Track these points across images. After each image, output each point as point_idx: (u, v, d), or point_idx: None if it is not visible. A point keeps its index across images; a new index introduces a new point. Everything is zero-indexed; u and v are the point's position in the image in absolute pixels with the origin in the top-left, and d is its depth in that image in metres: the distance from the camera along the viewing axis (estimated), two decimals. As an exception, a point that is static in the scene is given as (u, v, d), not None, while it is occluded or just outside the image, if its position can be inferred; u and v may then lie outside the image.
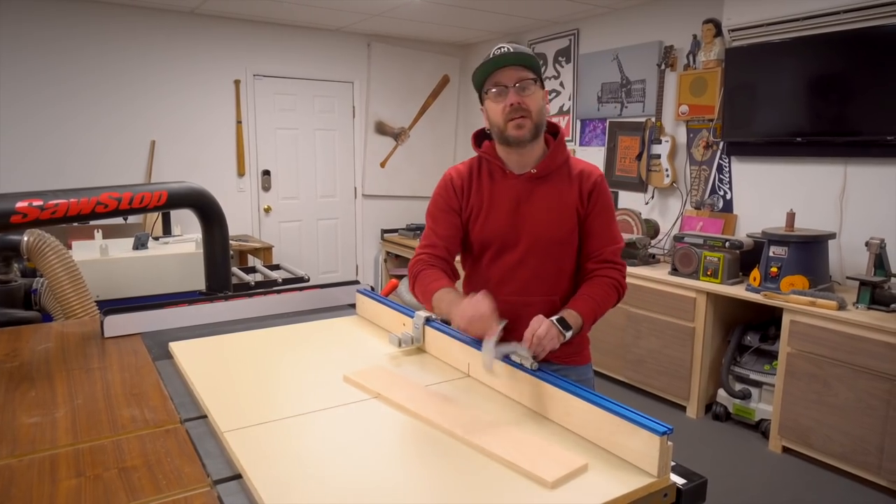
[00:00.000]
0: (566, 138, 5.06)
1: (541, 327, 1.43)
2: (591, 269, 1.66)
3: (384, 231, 5.84)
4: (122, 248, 2.95)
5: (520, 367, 1.38)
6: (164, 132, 4.84)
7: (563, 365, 1.69)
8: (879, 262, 2.99)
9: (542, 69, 5.37)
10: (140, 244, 2.97)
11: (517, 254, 1.65)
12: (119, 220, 4.02)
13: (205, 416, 1.33)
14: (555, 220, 1.63)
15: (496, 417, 1.30)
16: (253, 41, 5.13)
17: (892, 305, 2.84)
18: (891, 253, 3.07)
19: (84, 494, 1.02)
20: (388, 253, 5.82)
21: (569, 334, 1.50)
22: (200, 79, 4.95)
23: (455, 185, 1.71)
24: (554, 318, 1.50)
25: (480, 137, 1.75)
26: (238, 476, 1.10)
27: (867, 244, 3.04)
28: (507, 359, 1.41)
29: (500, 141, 1.64)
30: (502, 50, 1.58)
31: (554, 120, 5.08)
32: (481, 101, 1.66)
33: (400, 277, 5.45)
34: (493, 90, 1.59)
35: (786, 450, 3.18)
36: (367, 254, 6.01)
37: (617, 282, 1.64)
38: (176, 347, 1.72)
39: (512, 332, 1.50)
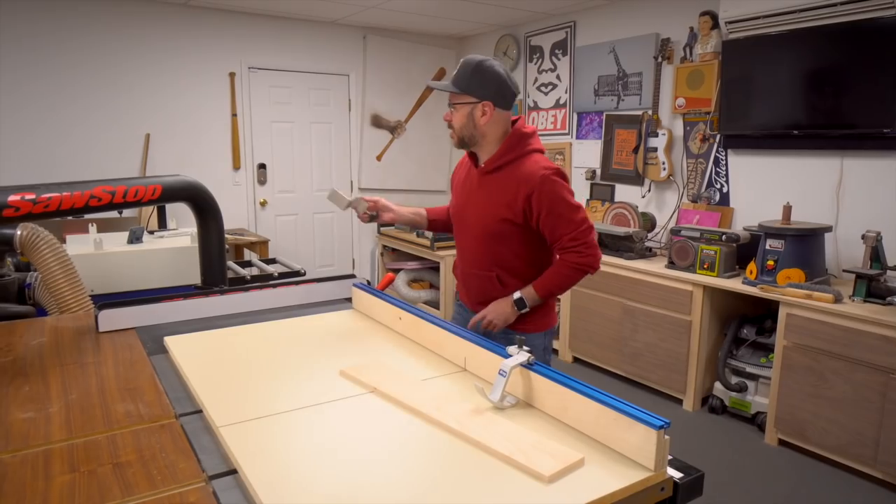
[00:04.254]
0: (562, 131, 5.06)
1: (490, 312, 1.88)
2: (557, 256, 1.89)
3: (381, 225, 5.82)
4: (116, 241, 2.94)
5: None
6: (158, 125, 4.81)
7: (516, 332, 1.89)
8: (876, 254, 3.00)
9: (538, 62, 5.46)
10: (135, 238, 2.95)
11: (462, 233, 2.00)
12: (114, 214, 4.01)
13: (200, 411, 1.32)
14: (489, 214, 1.88)
15: (492, 412, 1.29)
16: (248, 33, 5.09)
17: (888, 298, 2.85)
18: (887, 246, 3.08)
19: (78, 490, 1.01)
20: (384, 247, 5.81)
21: (524, 310, 1.87)
22: (195, 71, 4.92)
23: (456, 165, 2.12)
24: (514, 296, 1.87)
25: None
26: (233, 471, 1.09)
27: (863, 237, 3.04)
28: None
29: None
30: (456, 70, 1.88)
31: (551, 112, 5.12)
32: None
33: (396, 271, 5.44)
34: None
35: (782, 443, 3.19)
36: (364, 248, 6.00)
37: (574, 263, 1.85)
38: (171, 342, 1.72)
39: (469, 297, 2.02)
